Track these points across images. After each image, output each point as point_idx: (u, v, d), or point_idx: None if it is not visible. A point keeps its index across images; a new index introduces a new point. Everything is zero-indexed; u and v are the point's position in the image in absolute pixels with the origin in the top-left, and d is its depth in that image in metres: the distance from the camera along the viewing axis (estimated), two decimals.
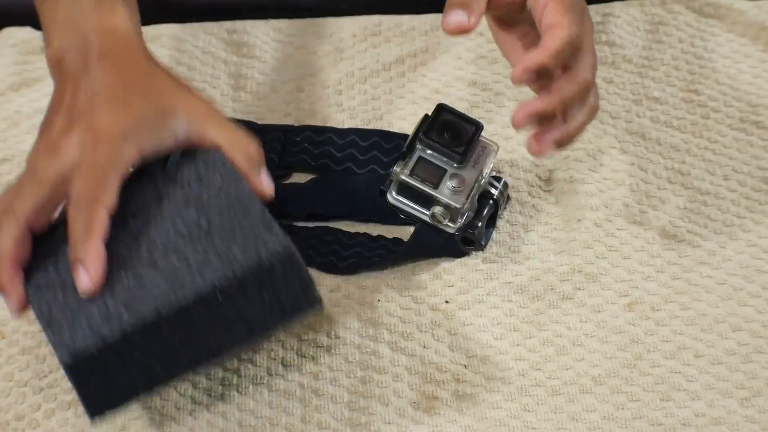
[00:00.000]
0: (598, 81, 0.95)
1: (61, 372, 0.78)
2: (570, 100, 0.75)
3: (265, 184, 0.74)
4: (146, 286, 0.69)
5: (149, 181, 0.73)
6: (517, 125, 0.73)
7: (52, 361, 0.79)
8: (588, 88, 0.76)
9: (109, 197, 0.70)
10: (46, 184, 0.71)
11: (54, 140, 0.72)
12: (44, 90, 0.96)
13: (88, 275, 0.68)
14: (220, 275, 0.68)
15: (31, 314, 0.81)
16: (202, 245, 0.69)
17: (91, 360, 0.67)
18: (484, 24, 0.99)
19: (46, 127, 0.74)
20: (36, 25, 1.01)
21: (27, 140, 0.92)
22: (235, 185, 0.72)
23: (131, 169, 0.72)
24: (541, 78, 0.74)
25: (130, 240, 0.71)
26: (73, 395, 0.77)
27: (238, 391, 0.76)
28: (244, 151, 0.74)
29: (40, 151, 0.73)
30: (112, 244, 0.70)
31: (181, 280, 0.68)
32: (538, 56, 0.73)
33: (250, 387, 0.77)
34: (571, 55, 0.74)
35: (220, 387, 0.77)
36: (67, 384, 0.77)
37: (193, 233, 0.70)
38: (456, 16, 0.74)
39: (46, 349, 0.79)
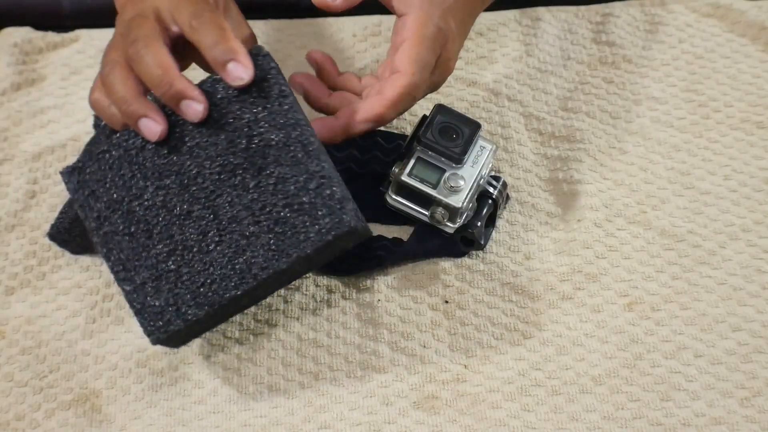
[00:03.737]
0: (599, 81, 0.95)
1: (61, 372, 0.78)
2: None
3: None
4: (228, 264, 0.72)
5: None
6: None
7: (52, 361, 0.79)
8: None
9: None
10: (149, 15, 0.74)
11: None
12: (44, 90, 0.96)
13: (240, 64, 0.71)
14: (298, 255, 0.71)
15: (30, 314, 0.81)
16: (276, 221, 0.72)
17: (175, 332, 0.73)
18: (484, 25, 0.99)
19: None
20: (36, 24, 1.02)
21: (27, 140, 0.92)
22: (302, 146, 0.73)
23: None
24: (380, 125, 0.79)
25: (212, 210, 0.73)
26: (72, 395, 0.77)
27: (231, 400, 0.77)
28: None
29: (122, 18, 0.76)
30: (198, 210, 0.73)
31: (263, 259, 0.71)
32: (377, 108, 0.77)
33: (251, 387, 0.77)
34: (407, 107, 0.79)
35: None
36: (66, 384, 0.77)
37: (266, 204, 0.72)
38: None
39: (46, 349, 0.79)
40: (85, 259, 0.84)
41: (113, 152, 0.75)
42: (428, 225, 0.82)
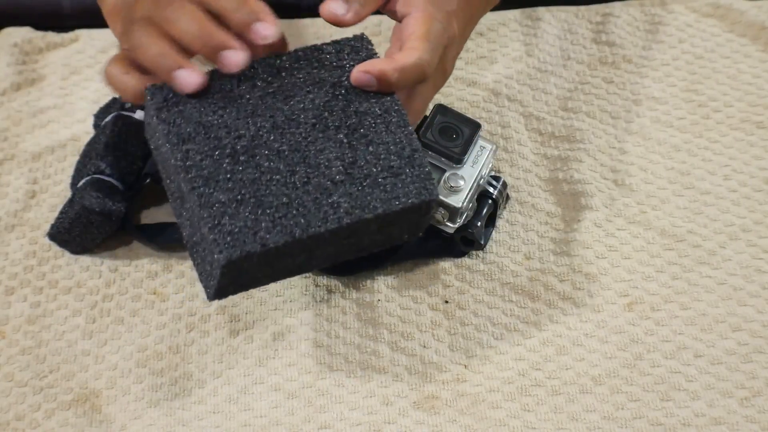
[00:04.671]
0: (599, 81, 0.95)
1: (61, 372, 0.78)
2: None
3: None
4: (308, 207, 0.71)
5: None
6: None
7: (52, 361, 0.79)
8: (413, 119, 0.78)
9: None
10: None
11: None
12: (44, 90, 0.96)
13: (265, 23, 0.71)
14: (384, 210, 0.71)
15: (30, 314, 0.81)
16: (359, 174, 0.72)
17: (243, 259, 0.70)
18: (484, 25, 0.99)
19: None
20: (36, 24, 1.02)
21: (27, 140, 0.92)
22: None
23: None
24: (382, 87, 0.75)
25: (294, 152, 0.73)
26: (72, 395, 0.77)
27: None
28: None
29: None
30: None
31: (349, 205, 0.71)
32: (383, 65, 0.74)
33: (251, 387, 0.77)
34: (415, 80, 0.75)
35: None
36: (66, 384, 0.77)
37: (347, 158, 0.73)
38: (332, 7, 0.75)
39: (46, 349, 0.80)
40: (85, 259, 0.84)
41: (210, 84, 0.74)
42: (428, 225, 0.82)
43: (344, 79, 0.75)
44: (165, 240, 0.84)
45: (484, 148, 0.83)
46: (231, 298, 0.81)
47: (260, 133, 0.72)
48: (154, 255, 0.84)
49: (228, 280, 0.70)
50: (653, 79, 0.95)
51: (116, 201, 0.82)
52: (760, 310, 0.79)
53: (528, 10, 1.01)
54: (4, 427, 0.76)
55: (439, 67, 0.78)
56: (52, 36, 1.01)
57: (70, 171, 0.88)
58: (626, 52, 0.97)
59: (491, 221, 0.84)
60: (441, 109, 0.82)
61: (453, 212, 0.80)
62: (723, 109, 0.93)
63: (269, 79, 0.74)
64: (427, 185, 0.72)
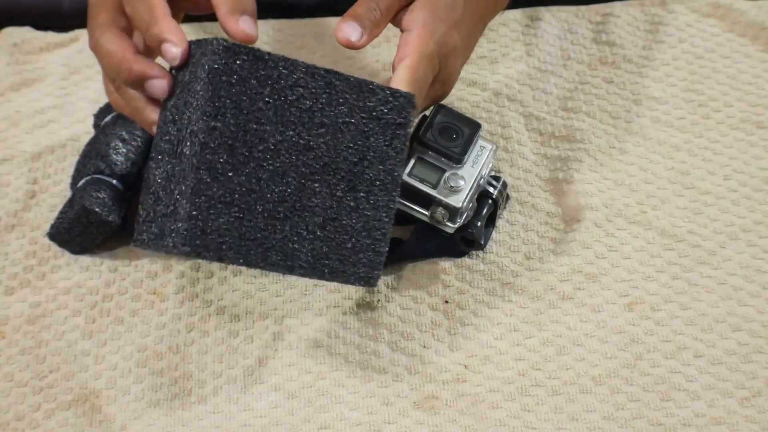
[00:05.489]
0: (599, 81, 0.95)
1: (61, 372, 0.78)
2: None
3: (245, 28, 0.74)
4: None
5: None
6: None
7: (52, 361, 0.79)
8: None
9: None
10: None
11: None
12: (44, 90, 0.97)
13: (170, 43, 0.71)
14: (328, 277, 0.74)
15: (30, 314, 0.81)
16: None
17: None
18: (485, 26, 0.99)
19: None
20: (36, 24, 1.02)
21: (27, 140, 0.93)
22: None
23: None
24: None
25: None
26: (72, 395, 0.77)
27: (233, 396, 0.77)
28: None
29: None
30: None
31: (305, 259, 0.73)
32: None
33: (251, 386, 0.77)
34: None
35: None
36: (66, 384, 0.78)
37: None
38: (347, 32, 0.75)
39: (46, 349, 0.80)
40: (85, 259, 0.84)
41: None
42: (428, 225, 0.82)
43: (372, 134, 0.74)
44: None
45: (484, 148, 0.83)
46: (231, 298, 0.81)
47: (279, 148, 0.72)
48: (154, 255, 0.84)
49: (170, 252, 0.71)
50: (653, 79, 0.95)
51: (116, 201, 0.82)
52: (760, 310, 0.79)
53: (528, 10, 1.01)
54: (4, 427, 0.76)
55: (438, 79, 0.78)
56: (52, 36, 1.01)
57: (70, 171, 0.88)
58: (626, 52, 0.97)
59: (491, 221, 0.84)
60: (441, 109, 0.82)
61: (453, 212, 0.80)
62: (723, 109, 0.93)
63: (315, 95, 0.73)
64: (373, 275, 0.74)
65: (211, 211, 0.70)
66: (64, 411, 0.76)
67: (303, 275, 0.73)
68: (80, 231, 0.83)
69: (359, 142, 0.74)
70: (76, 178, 0.85)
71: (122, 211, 0.83)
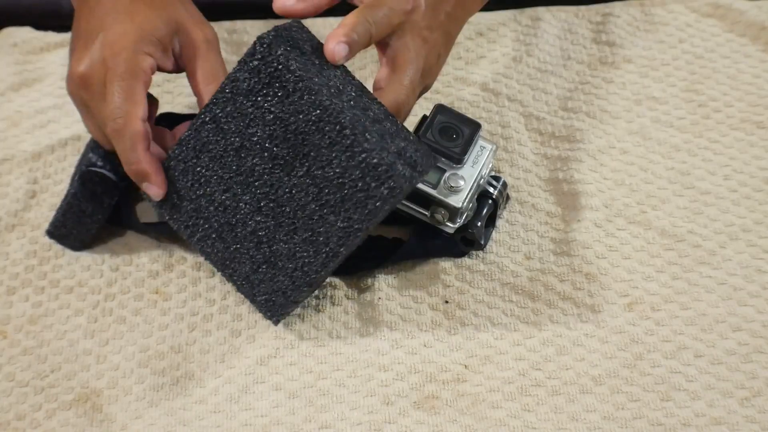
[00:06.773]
0: (599, 81, 0.95)
1: (63, 372, 0.78)
2: None
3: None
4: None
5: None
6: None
7: (54, 361, 0.79)
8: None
9: (140, 108, 0.75)
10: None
11: (75, 65, 0.77)
12: (44, 90, 0.96)
13: (152, 185, 0.77)
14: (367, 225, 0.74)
15: (32, 313, 0.81)
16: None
17: None
18: (484, 25, 0.99)
19: (71, 53, 0.79)
20: (36, 24, 1.02)
21: (27, 140, 0.93)
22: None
23: (153, 76, 0.77)
24: None
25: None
26: (74, 395, 0.77)
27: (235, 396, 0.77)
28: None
29: (72, 77, 0.77)
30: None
31: (336, 237, 0.75)
32: None
33: (252, 386, 0.77)
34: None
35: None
36: (68, 384, 0.78)
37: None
38: (332, 44, 0.75)
39: (48, 349, 0.80)
40: (87, 258, 0.84)
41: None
42: (428, 225, 0.82)
43: (267, 103, 0.74)
44: (163, 229, 0.83)
45: (484, 148, 0.83)
46: (233, 298, 0.81)
47: (237, 196, 0.77)
48: (155, 254, 0.84)
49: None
50: (653, 79, 0.95)
51: (107, 188, 0.81)
52: (760, 310, 0.80)
53: (528, 10, 1.01)
54: (5, 426, 0.76)
55: (424, 72, 0.78)
56: (52, 36, 1.01)
57: (70, 171, 0.88)
58: (626, 52, 0.97)
59: (491, 221, 0.84)
60: (441, 109, 0.82)
61: (453, 212, 0.80)
62: (723, 109, 0.93)
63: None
64: (391, 183, 0.71)
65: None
66: (65, 411, 0.76)
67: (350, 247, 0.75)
68: (74, 221, 0.82)
69: (270, 118, 0.74)
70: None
71: (113, 197, 0.82)
